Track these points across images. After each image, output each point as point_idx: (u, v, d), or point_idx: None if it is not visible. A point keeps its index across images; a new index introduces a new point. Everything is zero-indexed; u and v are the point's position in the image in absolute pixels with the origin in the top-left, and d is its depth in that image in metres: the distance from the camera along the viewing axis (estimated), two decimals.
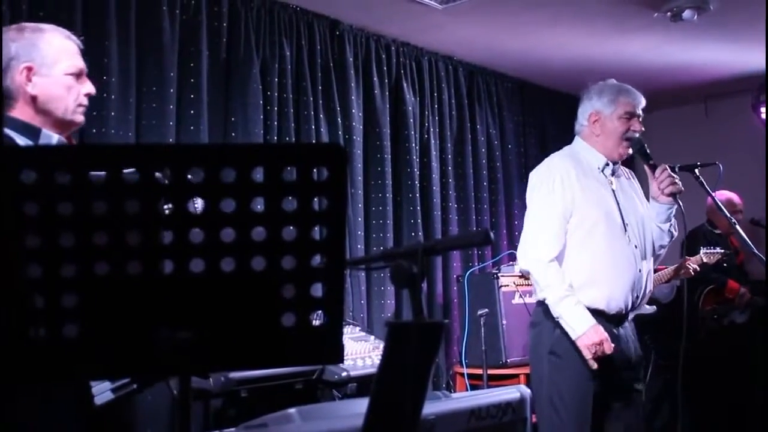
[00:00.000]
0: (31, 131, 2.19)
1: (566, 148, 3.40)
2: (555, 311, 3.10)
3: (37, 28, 2.27)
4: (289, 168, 1.26)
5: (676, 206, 3.21)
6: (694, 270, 4.69)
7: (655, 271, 4.64)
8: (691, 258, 4.86)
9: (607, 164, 3.28)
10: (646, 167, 3.29)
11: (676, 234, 3.31)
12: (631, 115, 3.24)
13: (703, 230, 5.59)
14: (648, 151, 3.27)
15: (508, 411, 1.93)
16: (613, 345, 3.07)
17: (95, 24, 3.85)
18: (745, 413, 5.24)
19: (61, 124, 2.26)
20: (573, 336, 3.06)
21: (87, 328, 1.21)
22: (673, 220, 3.27)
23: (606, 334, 3.05)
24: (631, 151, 3.29)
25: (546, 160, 3.35)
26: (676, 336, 4.00)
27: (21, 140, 2.16)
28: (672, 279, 4.85)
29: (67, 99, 2.25)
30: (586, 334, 3.03)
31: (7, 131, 2.16)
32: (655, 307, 3.63)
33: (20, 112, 2.21)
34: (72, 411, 1.95)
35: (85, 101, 2.30)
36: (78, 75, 2.28)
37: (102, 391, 1.93)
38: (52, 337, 1.19)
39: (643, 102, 3.30)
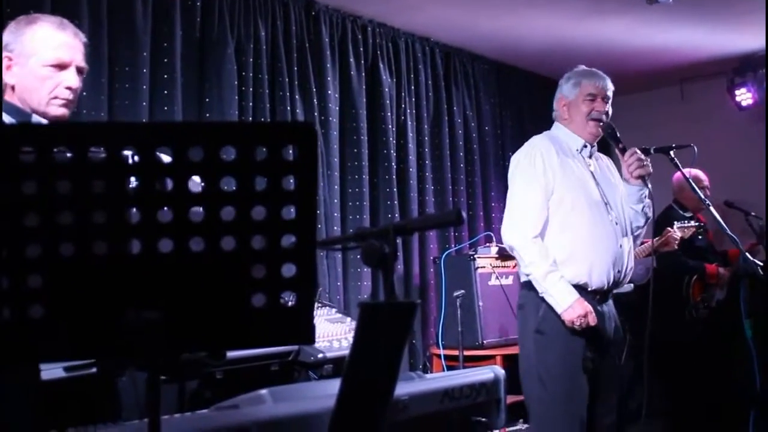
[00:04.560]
0: (23, 116, 2.24)
1: (545, 132, 3.48)
2: (540, 287, 3.17)
3: (30, 20, 2.31)
4: (259, 147, 1.24)
5: (646, 189, 3.28)
6: (677, 241, 4.87)
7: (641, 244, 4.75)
8: (671, 229, 4.96)
9: (585, 146, 3.37)
10: (616, 150, 3.38)
11: (650, 215, 3.36)
12: (593, 96, 3.33)
13: (673, 213, 5.62)
14: (618, 134, 3.34)
15: (482, 391, 1.93)
16: (597, 319, 3.16)
17: (65, 2, 3.79)
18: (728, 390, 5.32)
19: (40, 115, 2.27)
20: (558, 310, 3.13)
21: (53, 309, 1.19)
22: (646, 201, 3.34)
23: (590, 307, 3.14)
24: (602, 132, 3.36)
25: (526, 143, 3.43)
26: (653, 318, 4.04)
27: (9, 121, 2.20)
28: (655, 252, 4.94)
29: (39, 90, 2.26)
30: (571, 307, 3.11)
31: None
32: (632, 285, 3.66)
33: (9, 98, 2.27)
34: (16, 382, 1.93)
35: (63, 94, 2.28)
36: (59, 67, 2.28)
37: (51, 367, 1.90)
38: (17, 319, 1.17)
39: (608, 84, 3.38)
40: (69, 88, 2.29)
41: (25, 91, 2.26)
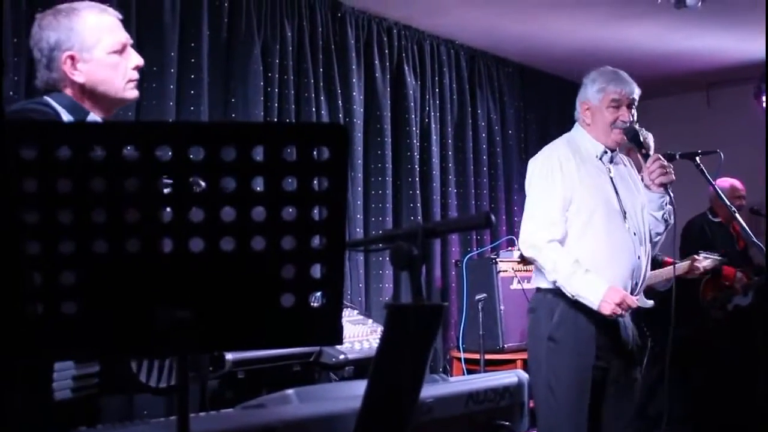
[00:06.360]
0: (79, 112, 2.12)
1: (565, 135, 3.41)
2: (569, 290, 3.10)
3: (71, 10, 2.17)
4: (290, 148, 1.25)
5: (667, 197, 3.21)
6: (704, 268, 4.71)
7: (664, 264, 4.65)
8: (698, 257, 4.82)
9: (605, 152, 3.29)
10: (638, 156, 3.31)
11: (672, 222, 3.30)
12: (618, 104, 3.23)
13: (703, 219, 5.58)
14: (641, 140, 3.28)
15: (506, 395, 1.92)
16: (635, 298, 3.11)
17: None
18: (750, 398, 5.25)
19: (114, 104, 2.21)
20: (594, 306, 3.05)
21: (85, 306, 1.20)
22: (668, 207, 3.27)
23: (624, 291, 3.07)
24: (625, 138, 3.28)
25: (545, 148, 3.37)
26: (675, 326, 4.00)
27: (67, 118, 2.09)
28: (681, 277, 4.85)
29: (115, 79, 2.17)
30: (605, 300, 3.03)
31: (55, 105, 2.10)
32: (652, 302, 3.61)
33: (69, 92, 2.16)
34: (29, 401, 1.86)
35: (134, 75, 2.22)
36: (122, 50, 2.20)
37: (61, 388, 1.86)
38: (50, 314, 1.19)
39: (635, 90, 3.27)
40: (137, 68, 2.22)
41: (99, 85, 2.15)
